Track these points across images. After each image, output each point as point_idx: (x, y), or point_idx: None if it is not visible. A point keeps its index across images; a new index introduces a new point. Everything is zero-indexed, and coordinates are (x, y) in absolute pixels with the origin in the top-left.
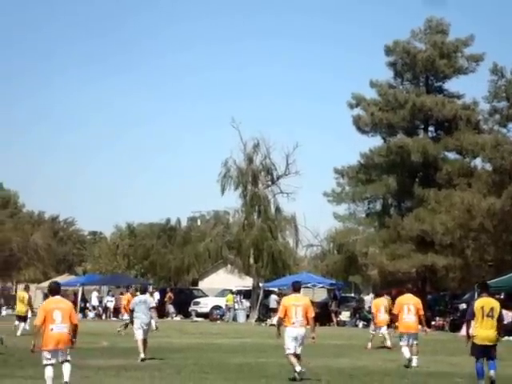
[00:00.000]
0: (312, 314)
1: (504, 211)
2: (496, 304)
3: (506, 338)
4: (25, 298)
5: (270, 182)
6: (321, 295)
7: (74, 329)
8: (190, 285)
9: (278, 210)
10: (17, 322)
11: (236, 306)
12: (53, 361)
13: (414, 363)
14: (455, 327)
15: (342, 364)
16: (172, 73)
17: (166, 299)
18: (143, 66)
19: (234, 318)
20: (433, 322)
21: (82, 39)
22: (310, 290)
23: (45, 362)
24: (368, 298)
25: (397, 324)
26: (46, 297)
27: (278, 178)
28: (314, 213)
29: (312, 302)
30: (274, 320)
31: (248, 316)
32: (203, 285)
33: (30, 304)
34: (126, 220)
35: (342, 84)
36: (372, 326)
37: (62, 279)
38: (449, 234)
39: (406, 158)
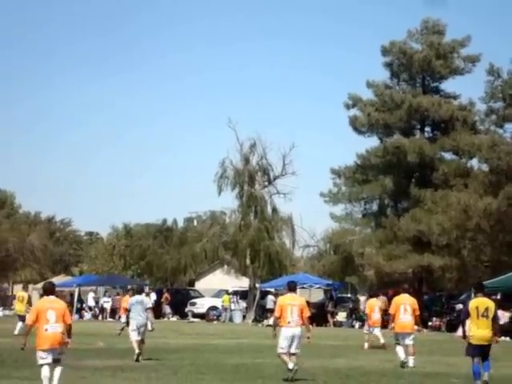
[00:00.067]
0: (307, 314)
1: (500, 211)
2: (491, 304)
3: (502, 338)
4: (24, 297)
5: (266, 183)
6: (317, 296)
7: (68, 329)
8: (187, 285)
9: (274, 210)
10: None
11: (232, 307)
12: (49, 360)
13: (411, 363)
14: (452, 327)
15: (338, 364)
16: (168, 73)
17: (162, 300)
18: (138, 67)
19: (231, 319)
20: (429, 323)
21: (82, 39)
22: (307, 291)
23: (40, 361)
24: (363, 299)
25: (393, 324)
26: (42, 297)
27: (274, 179)
28: (310, 213)
29: (308, 303)
30: (271, 320)
31: (244, 316)
32: (200, 285)
33: (30, 303)
34: (122, 220)
35: (338, 84)
36: (366, 326)
37: (58, 280)
38: (445, 234)
39: (403, 158)
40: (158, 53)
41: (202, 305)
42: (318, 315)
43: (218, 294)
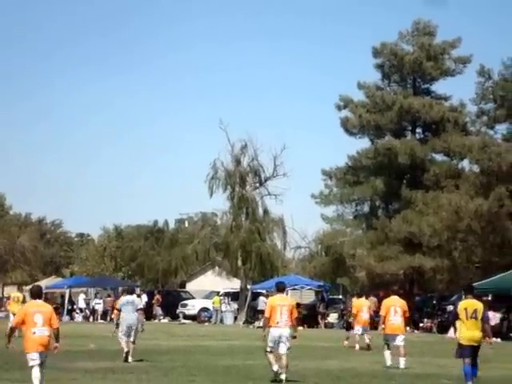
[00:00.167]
0: (296, 315)
1: (491, 213)
2: (479, 306)
3: (494, 339)
4: (20, 298)
5: (257, 184)
6: (309, 297)
7: (56, 333)
8: (178, 287)
9: (265, 211)
10: None
11: (224, 308)
12: (38, 361)
13: (402, 365)
14: (443, 329)
15: (330, 366)
16: (162, 74)
17: (153, 301)
18: (132, 68)
19: (222, 320)
20: (421, 324)
21: (82, 39)
22: (298, 292)
23: (31, 363)
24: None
25: (383, 326)
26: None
27: (265, 180)
28: (301, 214)
29: (300, 304)
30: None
31: (236, 318)
32: (191, 287)
33: (25, 303)
34: (113, 222)
35: (330, 85)
36: (357, 327)
37: (49, 281)
38: (436, 235)
39: (394, 159)
40: (147, 55)
41: (193, 306)
42: (310, 316)
43: (209, 296)
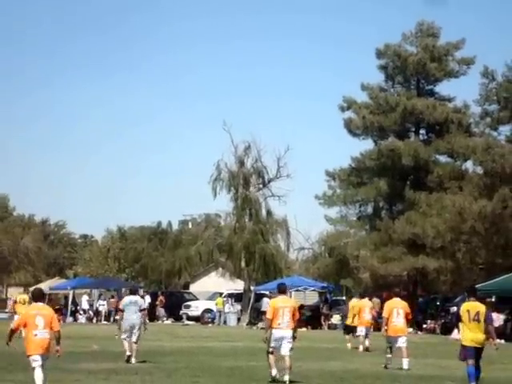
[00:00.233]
0: (298, 316)
1: (495, 214)
2: (482, 308)
3: (497, 340)
4: (26, 299)
5: (261, 185)
6: (312, 298)
7: (57, 336)
8: (182, 288)
9: (269, 213)
10: None
11: (227, 309)
12: (40, 362)
13: (405, 365)
14: (446, 330)
15: (333, 367)
16: (162, 73)
17: (157, 302)
18: (134, 66)
19: (225, 322)
20: (424, 325)
21: (82, 37)
22: (302, 293)
23: (33, 364)
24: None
25: (385, 328)
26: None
27: (269, 181)
28: (305, 216)
29: (303, 305)
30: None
31: (239, 319)
32: (194, 288)
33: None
34: (117, 223)
35: (333, 87)
36: (360, 328)
37: (52, 282)
38: (440, 237)
39: (397, 161)
40: (149, 53)
41: (196, 307)
42: (313, 318)
43: (213, 297)
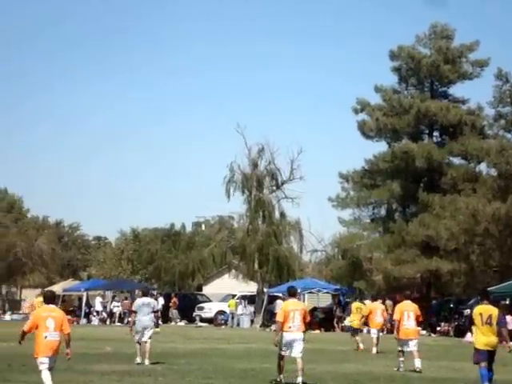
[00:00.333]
0: (308, 319)
1: (509, 216)
2: (494, 311)
3: (511, 343)
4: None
5: (274, 187)
6: (325, 301)
7: (67, 338)
8: (195, 290)
9: (282, 215)
10: None
11: (240, 311)
12: (48, 365)
13: (418, 364)
14: (460, 332)
15: (347, 369)
16: (175, 74)
17: (170, 304)
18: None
19: (238, 323)
20: (438, 328)
21: (89, 41)
22: (315, 296)
23: (41, 367)
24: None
25: (396, 331)
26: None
27: (282, 183)
28: (318, 218)
29: (316, 308)
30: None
31: (252, 321)
32: (208, 290)
33: None
34: (130, 225)
35: (346, 89)
36: (372, 330)
37: (66, 284)
38: (453, 239)
39: (411, 163)
40: (163, 54)
41: (209, 309)
42: (326, 320)
43: (226, 299)
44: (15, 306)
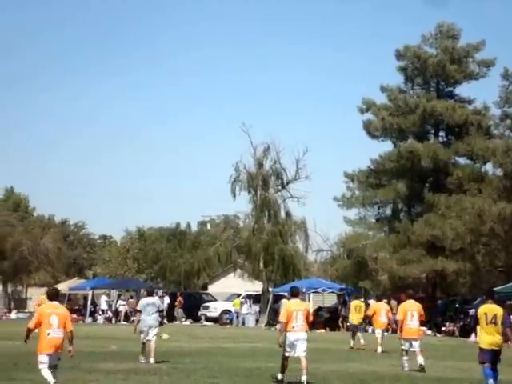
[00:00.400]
0: (311, 319)
1: None
2: (499, 311)
3: None
4: None
5: (280, 187)
6: (330, 300)
7: (70, 336)
8: (200, 289)
9: (287, 214)
10: None
11: (245, 311)
12: (47, 364)
13: (421, 361)
14: (465, 332)
15: (351, 369)
16: (182, 73)
17: (176, 303)
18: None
19: (243, 323)
20: (443, 328)
21: (92, 42)
22: (320, 295)
23: (40, 366)
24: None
25: (400, 330)
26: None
27: (287, 183)
28: (323, 217)
29: (321, 307)
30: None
31: (257, 320)
32: (213, 289)
33: None
34: (135, 224)
35: (352, 88)
36: (377, 330)
37: (71, 283)
38: (459, 239)
39: (417, 162)
40: (176, 53)
41: (215, 308)
42: (331, 320)
43: (231, 298)
44: (21, 304)
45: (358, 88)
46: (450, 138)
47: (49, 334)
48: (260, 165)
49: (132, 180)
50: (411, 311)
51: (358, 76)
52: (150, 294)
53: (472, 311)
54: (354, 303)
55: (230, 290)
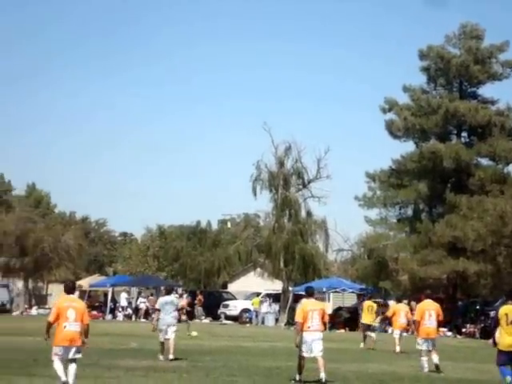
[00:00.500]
0: (327, 319)
1: None
2: None
3: None
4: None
5: (301, 186)
6: (351, 300)
7: (86, 329)
8: (220, 287)
9: (308, 213)
10: None
11: (265, 310)
12: (60, 356)
13: (436, 360)
14: (486, 334)
15: (371, 369)
16: (201, 71)
17: (196, 301)
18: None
19: (263, 322)
20: (463, 329)
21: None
22: (340, 295)
23: (53, 357)
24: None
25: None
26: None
27: (309, 182)
28: (344, 217)
29: (341, 307)
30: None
31: (277, 320)
32: (233, 288)
33: None
34: (156, 222)
35: (374, 88)
36: (395, 331)
37: (92, 280)
38: (481, 240)
39: (439, 163)
40: (176, 50)
41: (234, 307)
42: (351, 320)
43: (251, 297)
44: (41, 300)
45: (381, 87)
46: (472, 139)
47: (65, 326)
48: (281, 164)
49: (154, 178)
50: (429, 311)
51: (380, 76)
52: (168, 292)
53: (493, 313)
54: (366, 303)
55: (250, 288)
